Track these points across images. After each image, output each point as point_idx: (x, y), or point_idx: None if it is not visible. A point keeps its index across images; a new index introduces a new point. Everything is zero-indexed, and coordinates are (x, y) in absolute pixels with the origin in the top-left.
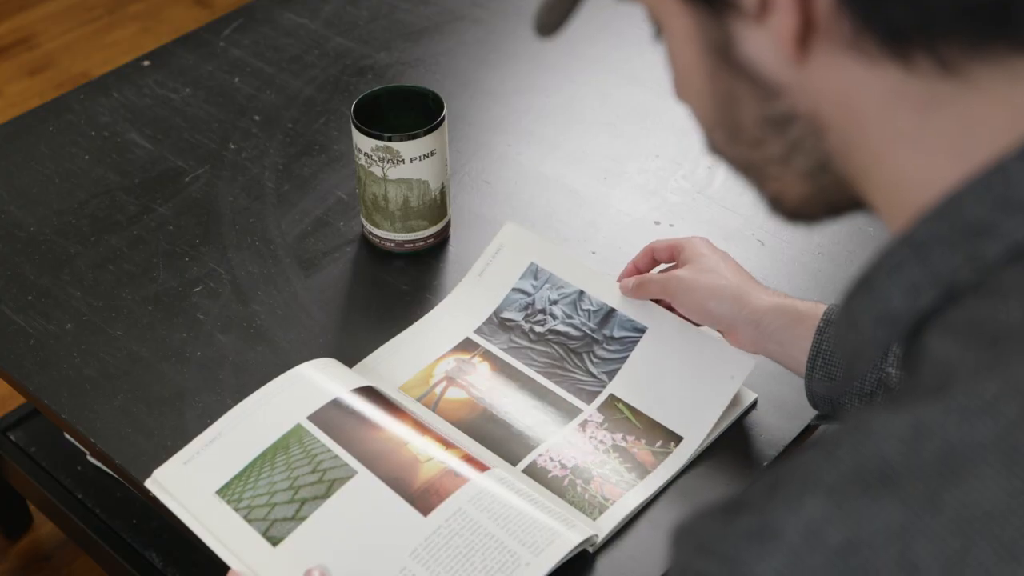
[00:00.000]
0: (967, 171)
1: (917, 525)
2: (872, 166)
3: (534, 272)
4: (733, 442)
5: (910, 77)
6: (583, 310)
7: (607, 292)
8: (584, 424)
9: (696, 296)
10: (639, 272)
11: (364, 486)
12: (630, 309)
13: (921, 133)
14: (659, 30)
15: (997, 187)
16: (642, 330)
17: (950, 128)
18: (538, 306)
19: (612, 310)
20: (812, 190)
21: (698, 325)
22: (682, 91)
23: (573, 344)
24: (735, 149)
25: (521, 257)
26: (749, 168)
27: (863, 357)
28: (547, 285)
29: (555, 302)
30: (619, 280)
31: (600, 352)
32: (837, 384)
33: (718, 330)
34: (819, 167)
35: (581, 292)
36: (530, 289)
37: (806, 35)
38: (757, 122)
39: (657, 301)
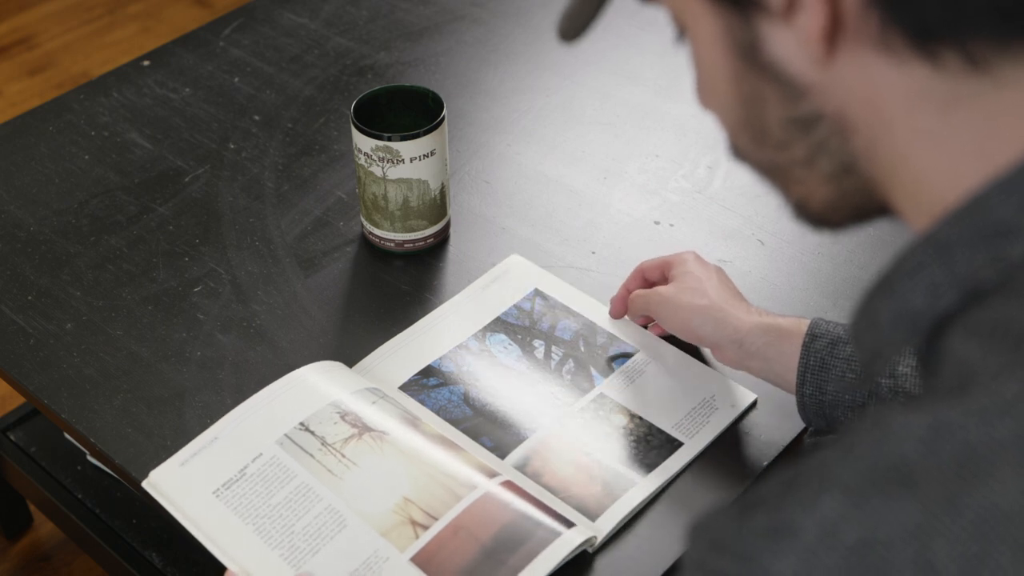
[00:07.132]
0: (991, 171)
1: (935, 526)
2: (896, 167)
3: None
4: (733, 442)
5: (937, 75)
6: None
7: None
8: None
9: (680, 314)
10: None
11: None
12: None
13: (946, 133)
14: (683, 32)
15: (1022, 188)
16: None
17: (975, 127)
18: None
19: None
20: (836, 194)
21: (683, 342)
22: (706, 94)
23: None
24: (760, 152)
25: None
26: (774, 171)
27: (882, 356)
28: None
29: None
30: (611, 306)
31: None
32: (838, 391)
33: (703, 347)
34: (843, 169)
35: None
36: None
37: (833, 33)
38: (782, 123)
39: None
